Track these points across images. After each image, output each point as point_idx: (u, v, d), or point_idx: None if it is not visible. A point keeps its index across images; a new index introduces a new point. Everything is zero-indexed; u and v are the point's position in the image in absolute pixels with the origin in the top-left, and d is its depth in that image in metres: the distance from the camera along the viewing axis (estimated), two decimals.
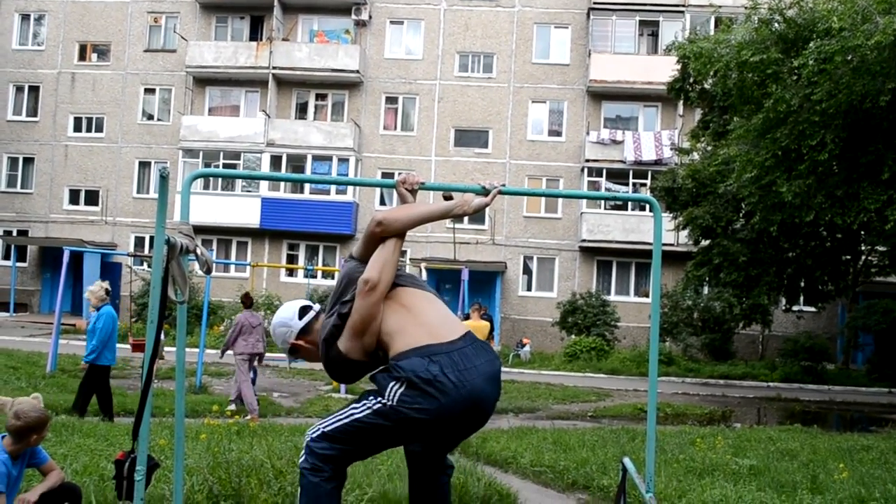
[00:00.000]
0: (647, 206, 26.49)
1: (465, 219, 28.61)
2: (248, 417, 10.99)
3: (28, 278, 31.36)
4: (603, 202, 29.19)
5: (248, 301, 12.48)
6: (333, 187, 29.71)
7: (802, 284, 23.93)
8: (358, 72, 30.22)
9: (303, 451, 3.46)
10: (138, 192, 31.37)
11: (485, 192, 3.72)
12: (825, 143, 15.98)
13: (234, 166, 29.90)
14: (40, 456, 4.89)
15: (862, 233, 21.09)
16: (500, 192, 3.75)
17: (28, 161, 32.10)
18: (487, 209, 28.62)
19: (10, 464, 4.63)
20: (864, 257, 23.65)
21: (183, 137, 30.17)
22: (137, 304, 24.35)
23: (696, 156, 24.69)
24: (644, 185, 28.56)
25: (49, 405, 10.23)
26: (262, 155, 29.84)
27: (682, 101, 26.49)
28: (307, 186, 30.06)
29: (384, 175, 29.85)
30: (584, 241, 28.96)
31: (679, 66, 23.47)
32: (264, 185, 29.78)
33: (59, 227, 31.29)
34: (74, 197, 31.75)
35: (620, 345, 25.97)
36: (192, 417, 10.07)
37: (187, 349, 11.99)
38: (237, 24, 31.93)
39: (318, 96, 31.48)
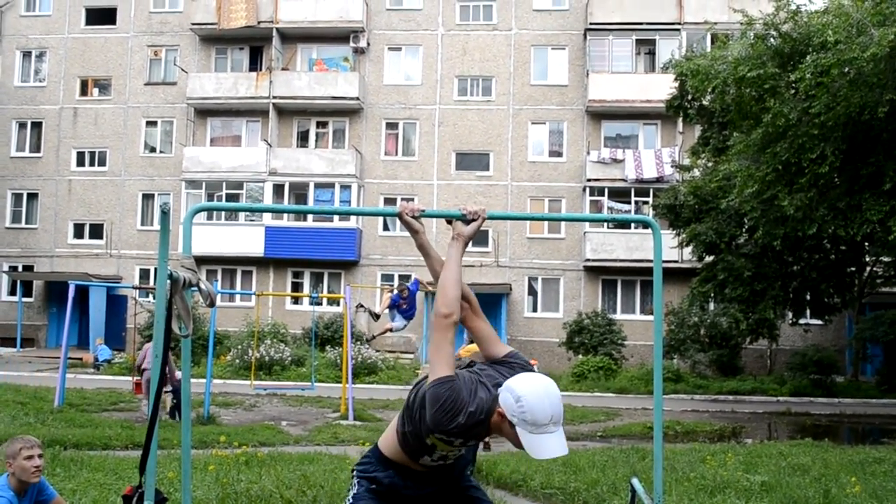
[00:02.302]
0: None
1: (469, 242, 28.30)
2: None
3: (34, 313, 31.40)
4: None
5: None
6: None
7: (808, 297, 23.84)
8: (358, 99, 30.39)
9: None
10: (142, 224, 31.45)
11: (464, 219, 3.74)
12: (825, 156, 16.03)
13: (236, 196, 29.99)
14: (48, 492, 4.87)
15: (866, 244, 21.10)
16: (487, 218, 3.78)
17: (32, 196, 32.25)
18: (491, 231, 28.95)
19: (17, 501, 4.61)
20: (868, 268, 23.60)
21: (185, 169, 30.30)
22: (143, 336, 24.35)
23: (696, 172, 24.73)
24: (646, 202, 28.57)
25: (58, 440, 10.25)
26: (265, 184, 29.94)
27: (681, 119, 26.58)
28: (310, 214, 30.11)
29: (387, 200, 29.95)
30: (588, 260, 28.95)
31: (677, 84, 23.56)
32: (267, 214, 29.84)
33: (65, 262, 31.37)
34: (79, 231, 31.85)
35: (628, 363, 25.88)
36: (201, 448, 10.06)
37: (194, 380, 11.99)
38: (237, 55, 32.17)
39: (318, 124, 31.63)
